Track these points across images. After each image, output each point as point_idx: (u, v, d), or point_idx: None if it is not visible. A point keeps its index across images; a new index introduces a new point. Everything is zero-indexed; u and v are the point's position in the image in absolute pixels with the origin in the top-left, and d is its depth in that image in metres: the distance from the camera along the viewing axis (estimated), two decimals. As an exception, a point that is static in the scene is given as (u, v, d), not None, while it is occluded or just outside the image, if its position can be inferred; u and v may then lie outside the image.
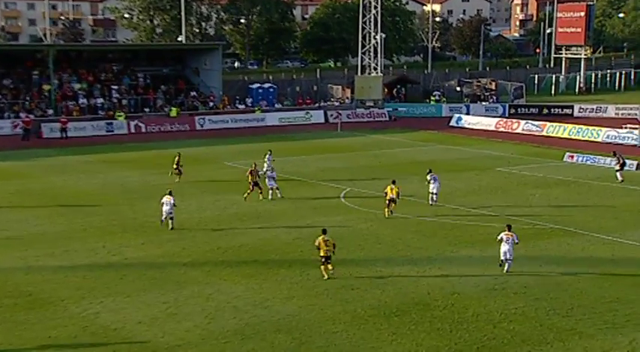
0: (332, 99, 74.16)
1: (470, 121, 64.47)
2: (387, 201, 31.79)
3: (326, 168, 41.15)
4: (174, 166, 39.36)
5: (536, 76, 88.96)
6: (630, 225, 30.51)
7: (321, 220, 31.14)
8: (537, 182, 39.82)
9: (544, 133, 58.45)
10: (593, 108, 70.18)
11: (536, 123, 60.23)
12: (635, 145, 51.62)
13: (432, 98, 76.43)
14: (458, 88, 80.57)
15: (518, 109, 71.11)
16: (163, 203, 29.90)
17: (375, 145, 53.39)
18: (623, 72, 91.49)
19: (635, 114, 64.66)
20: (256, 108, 68.51)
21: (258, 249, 27.09)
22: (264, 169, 37.83)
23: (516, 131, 60.38)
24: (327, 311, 20.95)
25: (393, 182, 32.22)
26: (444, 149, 52.17)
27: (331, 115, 67.53)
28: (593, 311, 20.85)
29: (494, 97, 76.09)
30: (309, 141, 55.60)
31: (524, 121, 61.14)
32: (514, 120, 62.22)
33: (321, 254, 23.57)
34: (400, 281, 23.45)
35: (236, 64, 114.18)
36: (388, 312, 20.90)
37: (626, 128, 55.29)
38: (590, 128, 56.33)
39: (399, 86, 78.53)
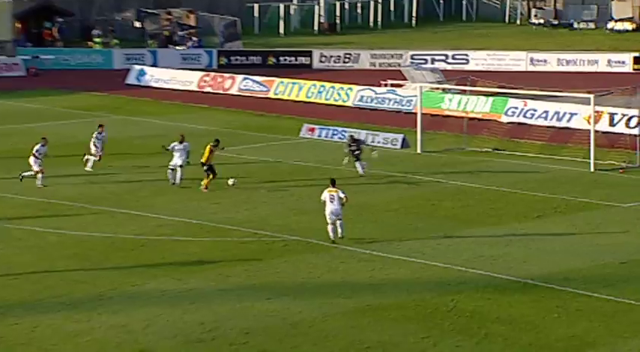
0: None
1: (158, 77, 64.96)
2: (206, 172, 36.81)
3: None
4: None
5: (256, 5, 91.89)
6: (394, 230, 32.67)
7: None
8: (264, 170, 41.27)
9: (271, 95, 60.49)
10: (339, 56, 74.07)
11: (260, 79, 62.14)
12: (399, 111, 55.31)
13: (96, 40, 75.79)
14: (137, 24, 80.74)
15: (232, 58, 73.01)
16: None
17: (2, 118, 51.95)
18: (379, 0, 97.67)
19: (398, 65, 68.99)
20: None
21: None
22: (93, 151, 40.68)
23: (230, 92, 61.88)
24: None
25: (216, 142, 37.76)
26: (119, 122, 52.00)
27: None
28: (346, 363, 22.06)
29: (195, 39, 77.36)
30: None
31: (241, 77, 62.76)
32: (226, 76, 63.70)
33: None
34: (50, 339, 23.01)
35: None
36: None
37: (385, 85, 59.08)
38: (337, 86, 59.28)
39: (44, 20, 76.78)
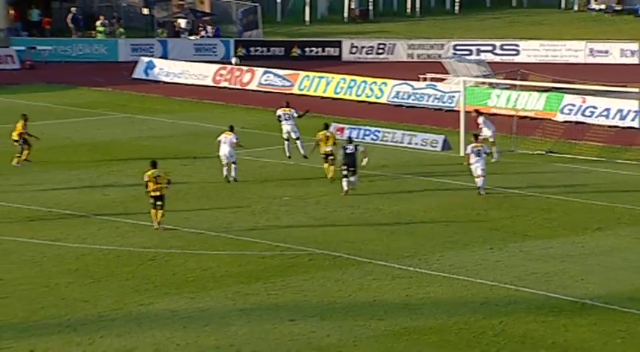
0: None
1: (169, 70, 65.01)
2: (325, 156, 38.75)
3: None
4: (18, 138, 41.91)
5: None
6: (434, 243, 32.66)
7: None
8: (286, 174, 41.50)
9: (296, 90, 60.43)
10: (372, 47, 73.94)
11: (282, 73, 62.12)
12: (440, 108, 55.22)
13: (99, 28, 76.05)
14: (145, 11, 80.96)
15: (252, 49, 73.06)
16: (220, 141, 39.21)
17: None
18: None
19: (439, 56, 68.86)
20: None
21: None
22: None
23: (249, 87, 61.93)
24: None
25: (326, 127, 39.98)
26: (124, 121, 52.41)
27: None
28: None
29: (211, 28, 77.45)
30: None
31: (262, 70, 62.79)
32: (245, 69, 63.75)
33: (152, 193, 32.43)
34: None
35: None
36: None
37: (425, 79, 58.97)
38: (370, 81, 59.17)
39: (41, 7, 77.03)
